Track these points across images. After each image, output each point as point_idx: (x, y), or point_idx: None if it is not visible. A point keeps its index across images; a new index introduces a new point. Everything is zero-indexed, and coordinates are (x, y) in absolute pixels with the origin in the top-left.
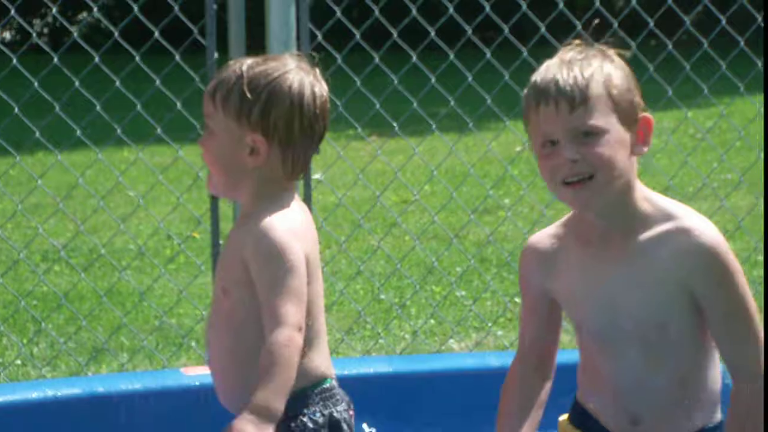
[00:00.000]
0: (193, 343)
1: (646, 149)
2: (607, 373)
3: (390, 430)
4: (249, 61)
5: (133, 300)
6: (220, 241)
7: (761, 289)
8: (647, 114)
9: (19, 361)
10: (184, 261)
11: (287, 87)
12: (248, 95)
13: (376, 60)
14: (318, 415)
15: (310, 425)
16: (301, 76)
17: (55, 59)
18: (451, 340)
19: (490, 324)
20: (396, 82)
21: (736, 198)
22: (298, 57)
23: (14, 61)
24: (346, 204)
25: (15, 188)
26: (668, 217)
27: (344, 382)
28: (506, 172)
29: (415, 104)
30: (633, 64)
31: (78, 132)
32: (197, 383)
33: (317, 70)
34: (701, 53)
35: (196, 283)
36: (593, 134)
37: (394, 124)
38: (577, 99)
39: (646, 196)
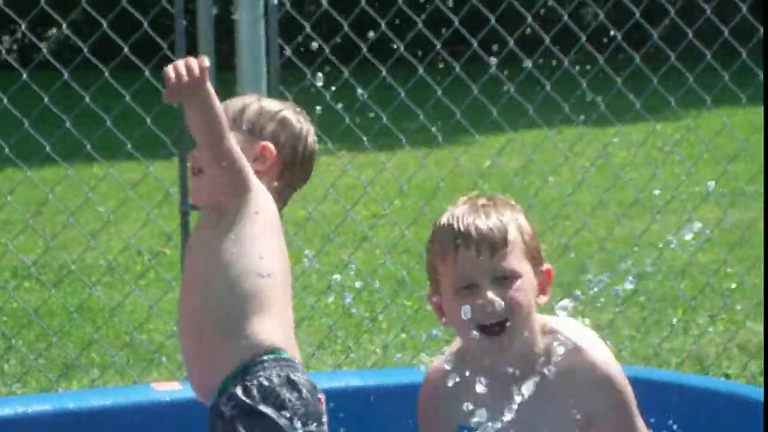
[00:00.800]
0: (164, 359)
1: (545, 299)
2: None
3: None
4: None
5: (103, 316)
6: None
7: (730, 301)
8: (549, 266)
9: None
10: (155, 277)
11: (296, 120)
12: (266, 111)
13: (346, 74)
14: (274, 375)
15: (266, 383)
16: (306, 122)
17: (24, 75)
18: (423, 354)
19: None
20: (365, 96)
21: (704, 210)
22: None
23: None
24: (316, 218)
25: None
26: (568, 349)
27: None
28: (477, 186)
29: (384, 118)
30: (601, 77)
31: (47, 148)
32: (168, 398)
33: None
34: (668, 66)
35: (167, 299)
36: (510, 278)
37: (364, 139)
38: (498, 243)
39: (544, 328)
